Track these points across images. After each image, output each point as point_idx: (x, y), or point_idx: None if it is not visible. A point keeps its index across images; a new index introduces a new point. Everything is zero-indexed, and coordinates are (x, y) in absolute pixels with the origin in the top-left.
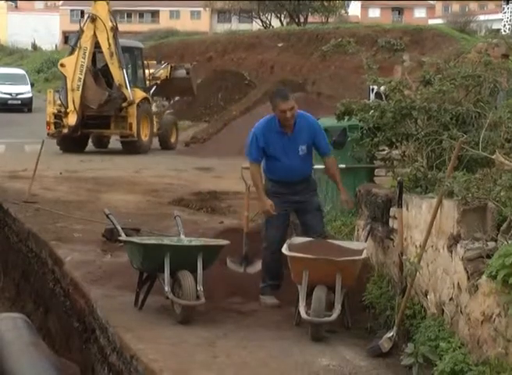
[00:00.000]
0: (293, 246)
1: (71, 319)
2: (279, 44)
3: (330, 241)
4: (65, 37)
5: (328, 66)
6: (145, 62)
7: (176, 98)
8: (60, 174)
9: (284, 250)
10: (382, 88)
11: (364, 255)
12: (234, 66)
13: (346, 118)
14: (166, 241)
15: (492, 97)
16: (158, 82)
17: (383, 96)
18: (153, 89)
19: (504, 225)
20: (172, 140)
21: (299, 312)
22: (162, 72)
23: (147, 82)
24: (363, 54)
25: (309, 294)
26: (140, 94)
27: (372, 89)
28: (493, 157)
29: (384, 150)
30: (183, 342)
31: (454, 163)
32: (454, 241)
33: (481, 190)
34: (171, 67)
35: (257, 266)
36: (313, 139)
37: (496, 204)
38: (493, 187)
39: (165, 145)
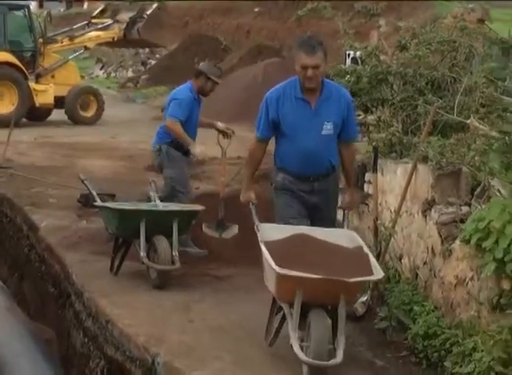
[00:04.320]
0: (271, 244)
1: (46, 284)
2: (256, 9)
3: (314, 232)
4: None
5: (304, 31)
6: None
7: (152, 62)
8: (34, 140)
9: (268, 261)
10: (358, 53)
11: (379, 273)
12: (210, 31)
13: None
14: (142, 207)
15: (467, 62)
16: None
17: (359, 61)
18: (78, 53)
19: (478, 189)
20: (89, 113)
21: (276, 332)
22: (108, 32)
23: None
24: (339, 19)
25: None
26: None
27: (348, 54)
28: (468, 122)
29: (359, 115)
30: (159, 307)
31: (429, 128)
32: (429, 205)
33: (455, 155)
34: (127, 25)
35: (233, 231)
36: (343, 117)
37: (470, 169)
38: (467, 152)
39: (73, 119)
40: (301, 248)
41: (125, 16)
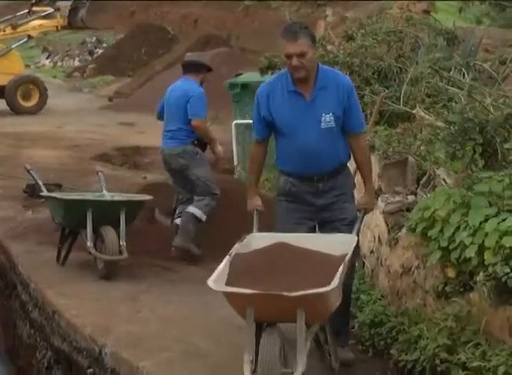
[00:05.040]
0: (242, 256)
1: None
2: None
3: (299, 240)
4: None
5: (251, 21)
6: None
7: (99, 52)
8: None
9: (214, 283)
10: None
11: (333, 285)
12: (157, 21)
13: (270, 72)
14: (88, 197)
15: (413, 52)
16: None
17: None
18: (21, 42)
19: (424, 179)
20: (31, 102)
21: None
22: (51, 21)
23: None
24: (286, 9)
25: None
26: None
27: None
28: (414, 112)
29: None
30: (106, 297)
31: (376, 118)
32: (375, 195)
33: (401, 144)
34: (69, 12)
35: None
36: (343, 106)
37: (416, 158)
38: (414, 142)
39: (14, 108)
40: (273, 258)
41: (64, 3)
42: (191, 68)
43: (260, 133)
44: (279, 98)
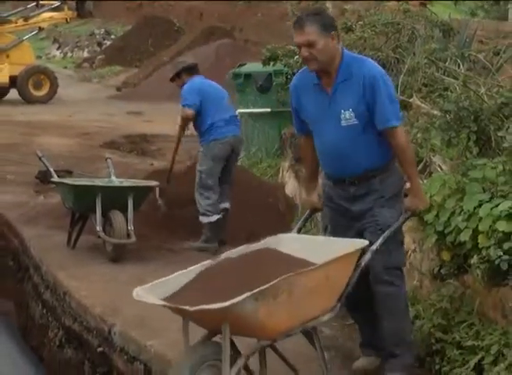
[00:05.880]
0: (221, 261)
1: (6, 258)
2: None
3: (289, 244)
4: None
5: (254, 14)
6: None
7: (107, 43)
8: None
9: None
10: None
11: (239, 300)
12: (164, 13)
13: (272, 63)
14: (97, 182)
15: (410, 43)
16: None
17: None
18: (32, 33)
19: (420, 165)
20: (41, 92)
21: None
22: (60, 13)
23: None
24: (288, 1)
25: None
26: None
27: None
28: (411, 101)
29: None
30: (115, 279)
31: None
32: None
33: None
34: (77, 4)
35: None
36: (366, 101)
37: (412, 145)
38: (411, 130)
39: (25, 97)
40: (248, 260)
41: None
42: (197, 69)
43: (298, 127)
44: (306, 92)
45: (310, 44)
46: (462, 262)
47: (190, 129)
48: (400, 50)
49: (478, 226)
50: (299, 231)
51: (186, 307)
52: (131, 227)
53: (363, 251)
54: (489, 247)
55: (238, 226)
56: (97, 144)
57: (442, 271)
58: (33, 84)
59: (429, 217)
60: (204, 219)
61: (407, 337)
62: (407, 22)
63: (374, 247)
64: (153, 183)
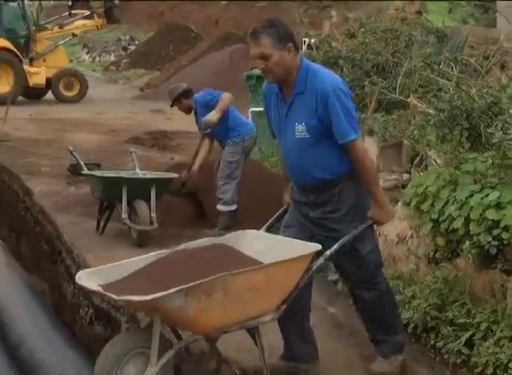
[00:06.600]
0: (173, 253)
1: (40, 243)
2: (223, 2)
3: (245, 242)
4: None
5: (262, 21)
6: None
7: (132, 48)
8: (29, 116)
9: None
10: (313, 40)
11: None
12: (183, 21)
13: None
14: (123, 174)
15: (407, 48)
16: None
17: (313, 47)
18: (67, 39)
19: (417, 159)
20: (72, 92)
21: None
22: (91, 21)
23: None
24: (296, 10)
25: None
26: None
27: (304, 41)
28: (408, 100)
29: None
30: None
31: (375, 106)
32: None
33: (397, 129)
34: (105, 12)
35: None
36: (318, 116)
37: (410, 141)
38: (408, 127)
39: (58, 97)
40: (195, 260)
41: (97, 4)
42: (191, 91)
43: (272, 131)
44: (271, 100)
45: (264, 57)
46: (455, 247)
47: None
48: (398, 54)
49: (469, 214)
50: (268, 229)
51: (113, 295)
52: (154, 215)
53: (318, 254)
54: (480, 233)
55: (250, 218)
56: (123, 139)
57: (436, 255)
58: (64, 85)
59: (425, 206)
60: (225, 208)
61: (395, 322)
62: (405, 29)
63: (328, 252)
64: (173, 175)
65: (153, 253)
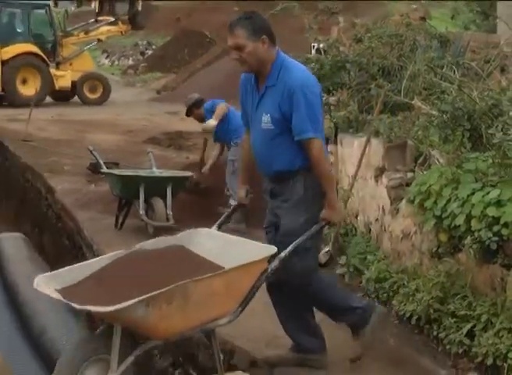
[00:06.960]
0: (134, 252)
1: (62, 238)
2: (235, 8)
3: (202, 245)
4: None
5: (275, 27)
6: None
7: (149, 52)
8: (51, 117)
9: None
10: (322, 45)
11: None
12: (198, 26)
13: None
14: (141, 173)
15: (412, 52)
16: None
17: (322, 52)
18: (92, 44)
19: (420, 159)
20: (95, 95)
21: None
22: (116, 27)
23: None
24: (305, 16)
25: None
26: (16, 49)
27: (313, 46)
28: (412, 102)
29: (322, 97)
30: None
31: (380, 108)
32: (380, 172)
33: (402, 130)
34: (129, 19)
35: None
36: (283, 110)
37: (414, 141)
38: (412, 128)
39: (82, 100)
40: (152, 262)
41: (121, 11)
42: (203, 101)
43: (243, 120)
44: (247, 90)
45: (238, 48)
46: (457, 242)
47: None
48: (403, 58)
49: (471, 211)
50: (219, 227)
51: (75, 304)
52: (170, 212)
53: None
54: (481, 229)
55: (259, 213)
56: (141, 140)
57: (439, 250)
58: (89, 89)
59: (428, 204)
60: (236, 202)
61: (347, 304)
62: (409, 34)
63: (282, 254)
64: (189, 173)
65: (107, 255)
